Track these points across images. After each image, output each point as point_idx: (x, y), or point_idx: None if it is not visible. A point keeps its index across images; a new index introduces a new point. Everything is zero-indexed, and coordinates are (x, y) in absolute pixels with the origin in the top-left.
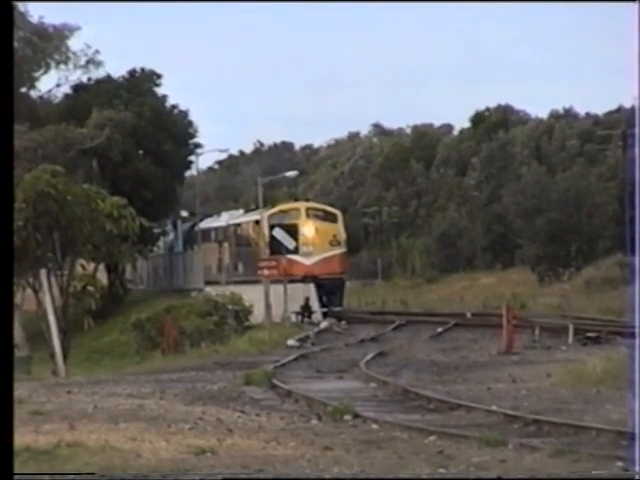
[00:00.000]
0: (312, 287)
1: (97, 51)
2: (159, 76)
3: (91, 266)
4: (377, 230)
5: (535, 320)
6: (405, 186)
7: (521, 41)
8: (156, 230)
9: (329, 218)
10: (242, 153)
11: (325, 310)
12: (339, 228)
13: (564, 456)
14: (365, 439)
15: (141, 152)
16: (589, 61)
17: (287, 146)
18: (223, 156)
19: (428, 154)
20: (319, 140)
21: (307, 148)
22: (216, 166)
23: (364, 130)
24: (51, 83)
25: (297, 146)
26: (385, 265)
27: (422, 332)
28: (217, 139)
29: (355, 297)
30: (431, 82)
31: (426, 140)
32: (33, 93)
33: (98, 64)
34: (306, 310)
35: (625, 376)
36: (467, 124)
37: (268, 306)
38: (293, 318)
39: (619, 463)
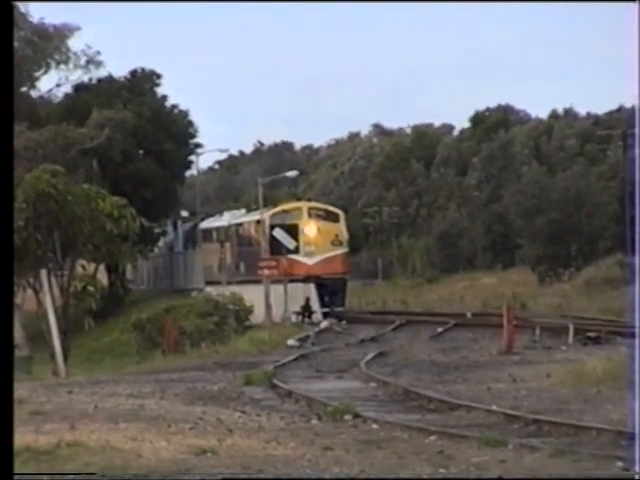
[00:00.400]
0: (312, 287)
1: (97, 51)
2: (159, 76)
3: (91, 266)
4: (377, 230)
5: (535, 320)
6: (405, 186)
7: (521, 41)
8: (156, 230)
9: (331, 218)
10: (242, 153)
11: (327, 310)
12: (341, 228)
13: (564, 456)
14: (365, 439)
15: (141, 152)
16: (589, 61)
17: (287, 146)
18: (223, 156)
19: (428, 154)
20: (319, 140)
21: (307, 148)
22: (216, 166)
23: (364, 130)
24: (51, 83)
25: (297, 146)
26: (385, 265)
27: (422, 332)
28: (217, 139)
29: (355, 297)
30: (431, 82)
31: (426, 140)
32: (33, 93)
33: (98, 64)
34: (306, 310)
35: (625, 376)
36: (467, 124)
37: (268, 306)
38: (293, 318)
39: (619, 463)
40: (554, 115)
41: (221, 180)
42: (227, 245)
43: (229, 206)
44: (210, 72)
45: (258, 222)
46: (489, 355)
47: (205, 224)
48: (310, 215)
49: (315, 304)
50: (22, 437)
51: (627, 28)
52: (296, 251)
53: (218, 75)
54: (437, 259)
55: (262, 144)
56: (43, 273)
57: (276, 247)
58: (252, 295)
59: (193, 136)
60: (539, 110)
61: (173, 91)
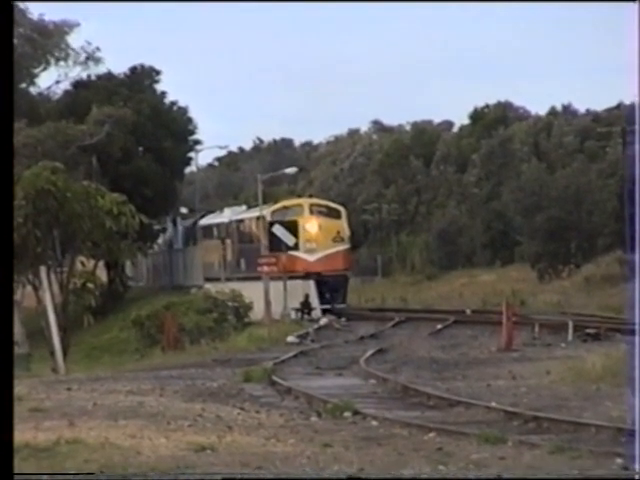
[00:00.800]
0: (312, 284)
1: (97, 48)
2: (158, 73)
3: (91, 263)
4: (377, 227)
5: (535, 317)
6: (405, 183)
7: (520, 38)
8: (156, 227)
9: (332, 214)
10: (242, 150)
11: (328, 307)
12: (342, 224)
13: (563, 453)
14: (365, 436)
15: (141, 149)
16: (589, 58)
17: (287, 143)
18: (223, 153)
19: (428, 151)
20: (319, 137)
21: (307, 145)
22: (216, 163)
23: (364, 127)
24: (51, 80)
25: (297, 143)
26: (385, 262)
27: (422, 329)
28: (217, 136)
29: (355, 294)
30: (431, 79)
31: (426, 137)
32: (33, 90)
33: (98, 61)
34: (306, 307)
35: (624, 373)
36: (466, 121)
37: (268, 303)
38: (293, 315)
39: (618, 460)
40: (553, 112)
41: (220, 177)
42: (228, 242)
43: (228, 203)
44: (209, 69)
45: (259, 218)
46: (488, 352)
47: (205, 221)
48: (311, 211)
49: (314, 301)
50: (22, 434)
51: (627, 27)
52: (295, 247)
53: (217, 72)
54: (436, 256)
55: (261, 141)
56: (42, 270)
57: (275, 244)
58: (251, 292)
59: (192, 133)
60: (538, 107)
61: (172, 88)
